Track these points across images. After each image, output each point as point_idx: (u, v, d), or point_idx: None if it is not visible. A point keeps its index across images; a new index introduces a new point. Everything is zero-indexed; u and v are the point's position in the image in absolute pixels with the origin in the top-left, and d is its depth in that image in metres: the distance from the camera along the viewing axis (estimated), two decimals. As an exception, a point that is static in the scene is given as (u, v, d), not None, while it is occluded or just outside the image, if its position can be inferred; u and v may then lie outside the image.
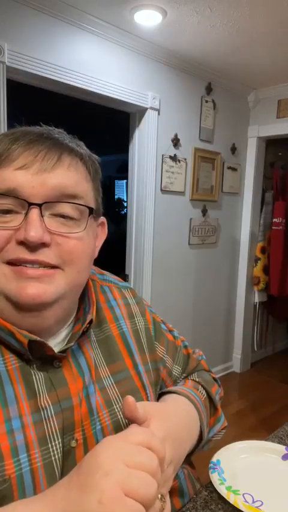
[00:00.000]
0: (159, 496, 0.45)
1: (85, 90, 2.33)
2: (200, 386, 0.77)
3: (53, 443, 0.55)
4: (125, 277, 2.92)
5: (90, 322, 0.62)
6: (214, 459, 0.75)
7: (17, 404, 0.55)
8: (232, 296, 3.68)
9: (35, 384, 0.56)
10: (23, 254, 0.53)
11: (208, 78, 3.06)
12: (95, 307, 0.65)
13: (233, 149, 3.40)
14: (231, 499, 0.66)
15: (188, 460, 0.73)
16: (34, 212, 0.53)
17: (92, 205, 0.60)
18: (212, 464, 0.74)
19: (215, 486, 0.69)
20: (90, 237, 0.60)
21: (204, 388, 0.77)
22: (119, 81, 2.48)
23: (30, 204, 0.53)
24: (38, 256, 0.53)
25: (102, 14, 2.22)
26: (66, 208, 0.56)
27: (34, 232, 0.52)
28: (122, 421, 0.63)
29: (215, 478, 0.70)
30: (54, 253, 0.55)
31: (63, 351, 0.59)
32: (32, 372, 0.57)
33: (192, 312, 3.28)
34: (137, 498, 0.42)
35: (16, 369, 0.56)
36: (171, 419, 0.58)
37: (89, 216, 0.59)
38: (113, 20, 2.29)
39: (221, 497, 0.67)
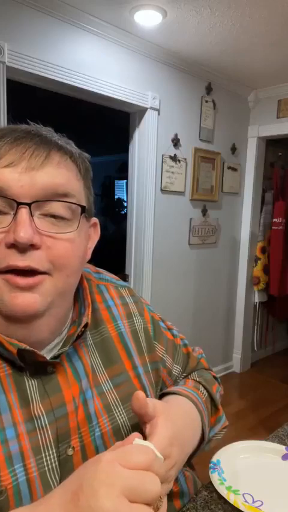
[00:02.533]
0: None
1: (85, 90, 2.33)
2: (200, 386, 0.76)
3: (47, 453, 0.54)
4: (125, 277, 2.92)
5: (86, 325, 0.60)
6: (214, 459, 0.75)
7: (11, 413, 0.53)
8: (232, 296, 3.68)
9: (28, 392, 0.55)
10: (14, 260, 0.50)
11: (208, 78, 3.06)
12: (90, 309, 0.63)
13: (233, 149, 3.40)
14: (231, 499, 0.66)
15: (188, 462, 0.73)
16: (23, 212, 0.50)
17: (84, 204, 0.57)
18: (212, 464, 0.73)
19: (215, 486, 0.69)
20: (82, 238, 0.58)
21: (205, 388, 0.76)
22: (119, 81, 2.48)
23: (19, 204, 0.50)
24: (29, 261, 0.51)
25: (102, 14, 2.22)
26: (57, 208, 0.53)
27: (23, 232, 0.49)
28: (123, 426, 0.62)
29: (215, 478, 0.70)
30: (44, 257, 0.52)
31: (57, 356, 0.58)
32: (25, 378, 0.55)
33: (192, 312, 3.28)
34: (145, 501, 0.40)
35: (8, 376, 0.55)
36: (176, 421, 0.57)
37: (81, 215, 0.56)
38: (113, 20, 2.29)
39: (221, 497, 0.67)
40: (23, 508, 0.47)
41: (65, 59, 2.20)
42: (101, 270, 0.77)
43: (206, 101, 3.08)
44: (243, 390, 3.48)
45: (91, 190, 0.61)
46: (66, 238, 0.54)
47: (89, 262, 0.68)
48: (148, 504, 0.41)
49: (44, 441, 0.54)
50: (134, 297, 0.76)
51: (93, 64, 2.34)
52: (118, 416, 0.62)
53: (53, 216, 0.53)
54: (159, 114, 2.75)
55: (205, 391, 0.76)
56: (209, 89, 3.09)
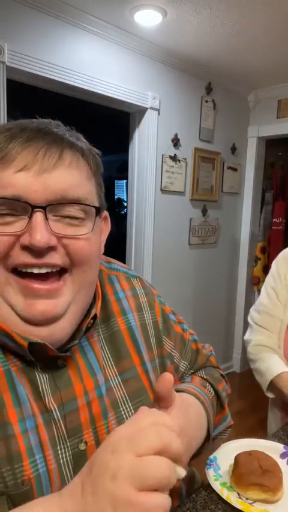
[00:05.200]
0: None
1: (85, 90, 2.33)
2: (207, 384, 0.75)
3: (62, 446, 0.54)
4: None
5: (95, 317, 0.60)
6: (211, 456, 0.75)
7: (29, 404, 0.53)
8: (232, 296, 3.68)
9: (40, 386, 0.55)
10: (30, 259, 0.50)
11: (208, 78, 3.06)
12: (100, 301, 0.62)
13: (233, 149, 3.40)
14: (225, 494, 0.66)
15: (190, 461, 0.72)
16: (38, 216, 0.50)
17: (96, 203, 0.57)
18: (208, 461, 0.74)
19: (210, 482, 0.69)
20: (96, 236, 0.58)
21: (212, 386, 0.75)
22: (119, 81, 2.48)
23: (34, 208, 0.50)
24: (46, 259, 0.51)
25: (102, 14, 2.22)
26: (71, 210, 0.53)
27: (40, 236, 0.49)
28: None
29: (210, 474, 0.71)
30: (61, 254, 0.52)
31: (68, 350, 0.57)
32: (36, 373, 0.55)
33: (192, 312, 3.28)
34: (152, 486, 0.39)
35: (20, 370, 0.55)
36: (189, 417, 0.57)
37: (96, 216, 0.56)
38: (113, 20, 2.29)
39: (220, 498, 0.67)
40: (45, 502, 0.46)
41: (65, 59, 2.20)
42: (112, 260, 0.76)
43: (206, 101, 3.08)
44: (243, 390, 3.47)
45: (102, 186, 0.61)
46: (82, 238, 0.54)
47: None
48: (162, 487, 0.40)
49: (59, 434, 0.54)
50: (145, 289, 0.75)
51: (93, 64, 2.34)
52: (125, 413, 0.61)
53: (68, 217, 0.53)
54: (159, 114, 2.75)
55: (212, 389, 0.75)
56: (209, 89, 3.09)
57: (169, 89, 2.81)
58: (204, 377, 0.77)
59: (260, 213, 3.67)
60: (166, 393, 0.49)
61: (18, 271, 0.52)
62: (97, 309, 0.60)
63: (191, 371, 0.79)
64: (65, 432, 0.55)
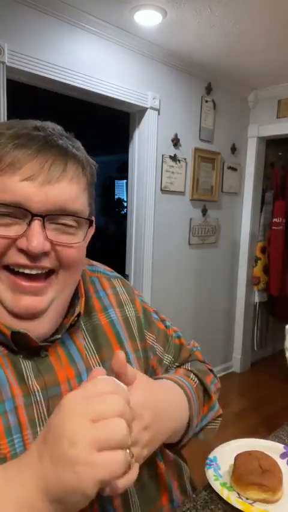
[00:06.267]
0: (127, 450, 0.43)
1: (85, 90, 2.34)
2: (192, 374, 0.76)
3: (42, 428, 0.55)
4: (125, 277, 2.92)
5: (78, 314, 0.63)
6: (211, 456, 0.75)
7: (9, 386, 0.56)
8: (232, 296, 3.68)
9: (23, 370, 0.58)
10: (24, 260, 0.55)
11: (208, 78, 3.06)
12: (83, 299, 0.66)
13: (233, 149, 3.40)
14: (225, 494, 0.66)
15: (176, 448, 0.72)
16: (37, 224, 0.54)
17: (87, 212, 0.61)
18: (208, 461, 0.74)
19: (210, 482, 0.69)
20: (85, 242, 0.62)
21: (196, 376, 0.76)
22: (119, 81, 2.48)
23: (34, 215, 0.54)
24: (38, 263, 0.55)
25: (102, 14, 2.22)
26: (67, 220, 0.57)
27: (36, 243, 0.53)
28: None
29: (210, 474, 0.71)
30: (53, 258, 0.57)
31: (51, 342, 0.60)
32: (20, 360, 0.59)
33: (192, 312, 3.28)
34: (111, 446, 0.41)
35: (4, 356, 0.58)
36: (154, 393, 0.58)
37: (88, 227, 0.61)
38: (113, 20, 2.29)
39: (220, 498, 0.67)
40: (4, 473, 0.47)
41: (65, 58, 2.20)
42: (94, 263, 0.79)
43: (206, 101, 3.09)
44: (243, 390, 3.48)
45: (93, 196, 0.65)
46: (73, 247, 0.58)
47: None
48: (121, 447, 0.42)
49: (39, 415, 0.56)
50: (126, 287, 0.78)
51: (93, 64, 2.34)
52: None
53: (63, 225, 0.57)
54: (159, 114, 2.75)
55: (196, 378, 0.76)
56: (209, 89, 3.09)
57: (169, 89, 2.81)
58: (189, 369, 0.78)
59: (260, 213, 3.67)
60: (122, 370, 0.51)
61: (9, 269, 0.56)
62: (81, 307, 0.64)
63: (176, 364, 0.80)
64: (46, 415, 0.57)
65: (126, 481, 0.44)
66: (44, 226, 0.54)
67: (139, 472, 0.58)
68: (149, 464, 0.65)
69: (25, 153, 0.53)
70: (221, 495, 0.67)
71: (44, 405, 0.57)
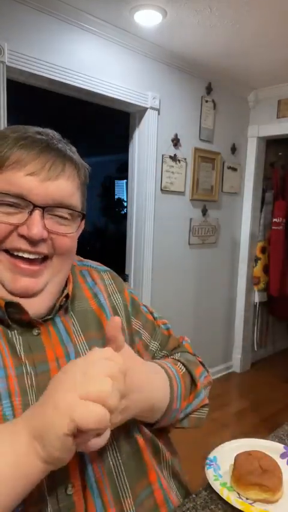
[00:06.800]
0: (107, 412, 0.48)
1: (85, 90, 2.34)
2: (179, 363, 0.79)
3: (32, 397, 0.60)
4: (125, 277, 2.93)
5: (67, 296, 0.70)
6: (211, 456, 0.75)
7: (1, 357, 0.61)
8: (232, 296, 3.68)
9: (16, 345, 0.63)
10: (24, 245, 0.62)
11: (208, 78, 3.06)
12: (71, 283, 0.73)
13: (233, 149, 3.40)
14: (225, 494, 0.66)
15: (153, 426, 0.73)
16: (37, 213, 0.61)
17: (80, 208, 0.69)
18: (208, 461, 0.74)
19: (210, 482, 0.69)
20: (77, 234, 0.70)
21: (183, 365, 0.79)
22: (119, 81, 2.48)
23: (35, 206, 0.61)
24: (36, 248, 0.62)
25: (102, 14, 2.22)
26: (62, 212, 0.65)
27: (36, 230, 0.60)
28: None
29: (210, 474, 0.71)
30: (49, 245, 0.64)
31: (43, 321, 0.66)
32: (13, 334, 0.63)
33: (192, 311, 3.28)
34: (94, 399, 0.47)
35: (0, 332, 0.63)
36: (136, 365, 0.63)
37: (81, 220, 0.69)
38: (113, 20, 2.29)
39: (220, 498, 0.67)
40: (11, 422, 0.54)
41: (65, 58, 2.20)
42: (85, 260, 0.85)
43: (206, 101, 3.09)
44: (243, 390, 3.48)
45: (85, 194, 0.73)
46: (67, 236, 0.66)
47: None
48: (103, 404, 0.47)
49: (29, 385, 0.61)
50: (115, 279, 0.84)
51: (93, 64, 2.34)
52: None
53: (59, 216, 0.65)
54: (159, 114, 2.75)
55: (183, 367, 0.79)
56: (209, 89, 3.09)
57: (169, 88, 2.81)
58: (177, 358, 0.81)
59: (260, 213, 3.67)
60: (115, 333, 0.57)
61: (9, 252, 0.62)
62: (68, 290, 0.71)
63: (164, 352, 0.84)
64: (35, 386, 0.61)
65: (100, 441, 0.50)
66: (43, 217, 0.61)
67: (121, 445, 0.65)
68: (130, 438, 0.68)
69: (29, 153, 0.61)
70: (221, 495, 0.67)
71: (34, 378, 0.61)
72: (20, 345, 0.63)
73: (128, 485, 0.64)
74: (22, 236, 0.61)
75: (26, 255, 0.62)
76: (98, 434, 0.49)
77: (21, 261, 0.62)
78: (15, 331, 0.64)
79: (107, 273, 0.84)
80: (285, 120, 3.28)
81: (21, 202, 0.61)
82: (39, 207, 0.61)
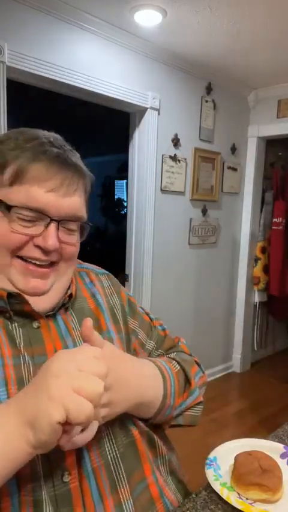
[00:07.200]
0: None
1: (85, 90, 2.34)
2: (174, 361, 0.81)
3: None
4: (125, 277, 2.93)
5: (70, 296, 0.74)
6: (211, 456, 0.75)
7: (0, 352, 0.63)
8: (232, 296, 3.68)
9: (16, 337, 0.65)
10: (40, 256, 0.66)
11: (208, 78, 3.06)
12: (74, 285, 0.77)
13: (233, 149, 3.40)
14: (225, 494, 0.66)
15: (148, 422, 0.75)
16: (53, 226, 0.66)
17: (86, 217, 0.73)
18: (208, 461, 0.74)
19: (210, 482, 0.69)
20: (80, 240, 0.75)
21: (178, 363, 0.81)
22: (119, 81, 2.48)
23: (52, 220, 0.65)
24: (48, 257, 0.67)
25: (102, 14, 2.22)
26: (72, 224, 0.70)
27: (52, 242, 0.65)
28: None
29: (210, 474, 0.71)
30: (58, 253, 0.69)
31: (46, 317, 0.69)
32: (13, 327, 0.66)
33: (192, 311, 3.28)
34: (85, 395, 0.49)
35: (0, 324, 0.66)
36: (120, 361, 0.66)
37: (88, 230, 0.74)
38: (113, 20, 2.29)
39: (220, 498, 0.67)
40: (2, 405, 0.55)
41: (65, 58, 2.20)
42: (83, 263, 0.88)
43: (206, 101, 3.09)
44: (243, 390, 3.48)
45: (88, 203, 0.77)
46: (75, 245, 0.72)
47: (89, 261, 0.83)
48: (91, 401, 0.49)
49: (26, 375, 0.63)
50: (112, 281, 0.87)
51: (93, 64, 2.34)
52: None
53: (68, 228, 0.70)
54: (159, 114, 2.75)
55: (178, 365, 0.81)
56: (209, 89, 3.09)
57: (169, 89, 2.81)
58: (172, 357, 0.83)
59: (260, 213, 3.67)
60: (87, 335, 0.59)
61: (22, 258, 0.67)
62: (72, 290, 0.75)
63: (159, 351, 0.86)
64: (32, 376, 0.62)
65: (86, 437, 0.54)
66: (57, 229, 0.66)
67: (117, 436, 0.67)
68: (126, 430, 0.70)
69: (49, 169, 0.65)
70: (221, 495, 0.67)
71: (31, 368, 0.63)
72: (19, 337, 0.66)
73: (124, 476, 0.66)
74: (37, 246, 0.66)
75: (38, 262, 0.67)
76: (82, 430, 0.53)
77: (32, 264, 0.67)
78: (16, 324, 0.67)
79: (104, 275, 0.87)
80: (285, 120, 3.28)
81: (39, 215, 0.65)
82: (55, 220, 0.66)
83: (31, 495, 0.57)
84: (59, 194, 0.65)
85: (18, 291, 0.66)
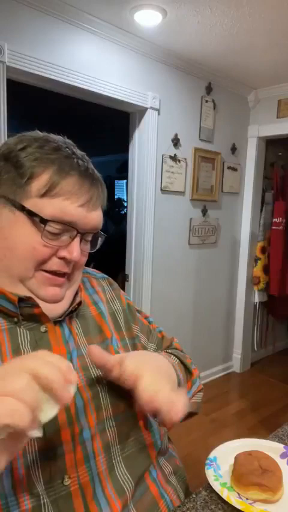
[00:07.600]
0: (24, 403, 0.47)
1: (85, 90, 2.33)
2: (172, 356, 0.85)
3: None
4: (125, 277, 2.93)
5: (79, 303, 0.76)
6: (211, 456, 0.75)
7: (1, 357, 0.64)
8: (232, 296, 3.68)
9: (20, 340, 0.67)
10: (62, 268, 0.69)
11: (208, 78, 3.06)
12: (82, 291, 0.80)
13: (233, 149, 3.40)
14: (225, 494, 0.66)
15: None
16: (78, 239, 0.69)
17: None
18: (208, 461, 0.74)
19: (210, 482, 0.69)
20: None
21: (176, 357, 0.86)
22: (119, 81, 2.48)
23: (78, 232, 0.69)
24: (69, 268, 0.71)
25: (102, 14, 2.22)
26: (90, 236, 0.74)
27: (76, 254, 0.68)
28: (96, 379, 0.71)
29: (210, 474, 0.71)
30: (74, 264, 0.72)
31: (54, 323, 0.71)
32: (19, 332, 0.67)
33: (193, 311, 3.28)
34: (4, 393, 0.45)
35: (5, 330, 0.67)
36: (148, 355, 0.72)
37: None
38: (113, 20, 2.29)
39: (220, 498, 0.67)
40: None
41: (65, 58, 2.20)
42: (85, 267, 0.90)
43: (206, 101, 3.09)
44: (243, 390, 3.48)
45: None
46: (87, 254, 0.75)
47: (90, 260, 0.83)
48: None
49: None
50: (112, 286, 0.91)
51: (93, 64, 2.34)
52: (93, 375, 0.71)
53: (86, 239, 0.73)
54: (159, 114, 2.75)
55: (176, 359, 0.85)
56: (209, 89, 3.09)
57: (169, 88, 2.81)
58: (169, 351, 0.88)
59: (260, 213, 3.67)
60: (99, 361, 0.63)
61: (44, 270, 0.69)
62: (80, 297, 0.78)
63: (159, 352, 0.89)
64: None
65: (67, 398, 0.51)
66: (81, 241, 0.70)
67: (123, 442, 0.68)
68: (131, 434, 0.72)
69: (82, 186, 0.68)
70: (221, 495, 0.67)
71: None
72: (26, 340, 0.67)
73: (130, 479, 0.66)
74: (61, 258, 0.68)
75: (58, 272, 0.70)
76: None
77: (51, 276, 0.70)
78: (23, 328, 0.68)
79: (104, 280, 0.91)
80: (285, 120, 3.28)
81: (67, 228, 0.68)
82: (81, 233, 0.69)
83: (30, 499, 0.57)
84: (87, 209, 0.69)
85: (30, 295, 0.67)
